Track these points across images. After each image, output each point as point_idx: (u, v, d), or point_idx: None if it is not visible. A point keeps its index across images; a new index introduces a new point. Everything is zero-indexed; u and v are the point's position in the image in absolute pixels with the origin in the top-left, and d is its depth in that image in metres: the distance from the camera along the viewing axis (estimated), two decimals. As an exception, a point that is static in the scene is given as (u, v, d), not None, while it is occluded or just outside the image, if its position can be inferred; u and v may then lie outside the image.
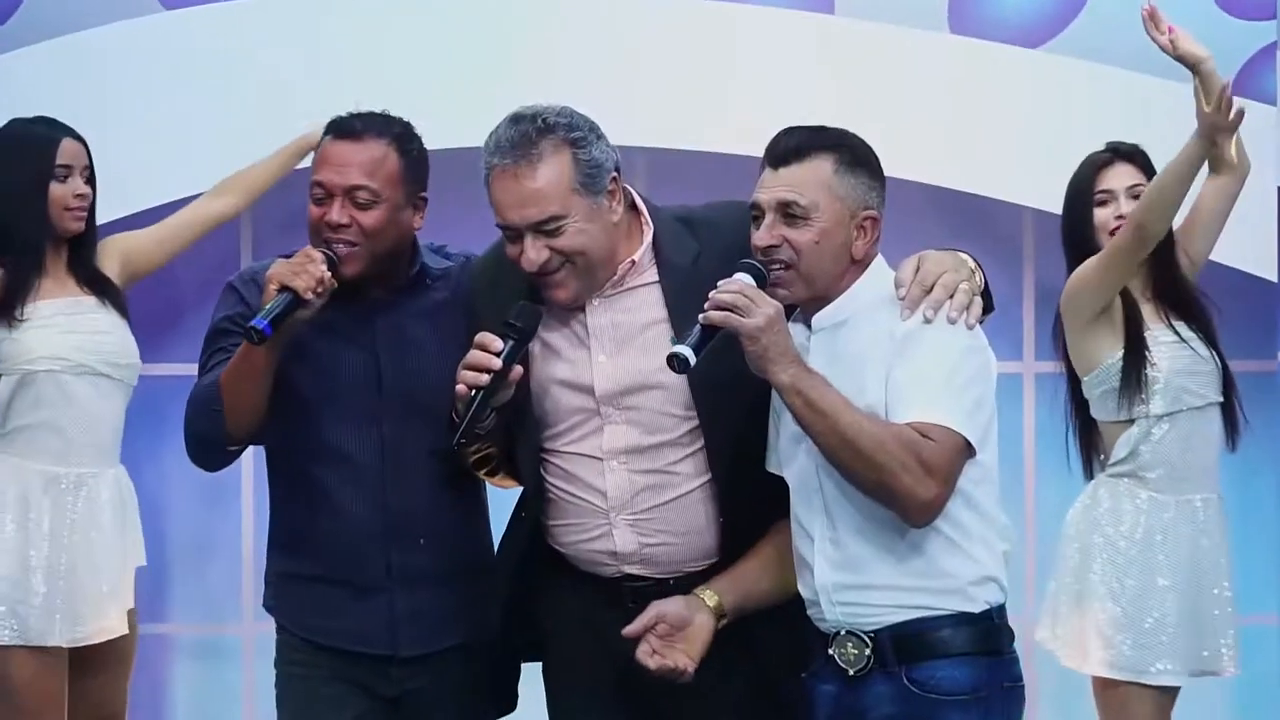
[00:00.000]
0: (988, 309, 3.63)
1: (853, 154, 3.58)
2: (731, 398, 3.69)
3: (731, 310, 3.43)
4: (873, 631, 3.52)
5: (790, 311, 3.60)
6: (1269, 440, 5.86)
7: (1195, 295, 5.08)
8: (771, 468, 3.73)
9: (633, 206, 3.80)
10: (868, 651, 3.52)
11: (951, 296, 3.51)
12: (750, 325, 3.42)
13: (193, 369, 4.07)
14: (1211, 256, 5.55)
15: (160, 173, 5.72)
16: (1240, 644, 5.10)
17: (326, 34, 5.84)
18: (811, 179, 3.54)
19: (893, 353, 3.48)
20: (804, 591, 3.62)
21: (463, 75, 5.74)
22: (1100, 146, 5.22)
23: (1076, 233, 5.07)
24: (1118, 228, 4.97)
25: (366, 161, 3.87)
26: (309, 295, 3.76)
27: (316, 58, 5.78)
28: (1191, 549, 5.00)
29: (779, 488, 3.70)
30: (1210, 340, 5.04)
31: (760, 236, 3.55)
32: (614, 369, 3.74)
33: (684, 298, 3.67)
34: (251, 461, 5.78)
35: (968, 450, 3.48)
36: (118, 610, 5.15)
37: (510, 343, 3.65)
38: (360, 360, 3.96)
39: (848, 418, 3.41)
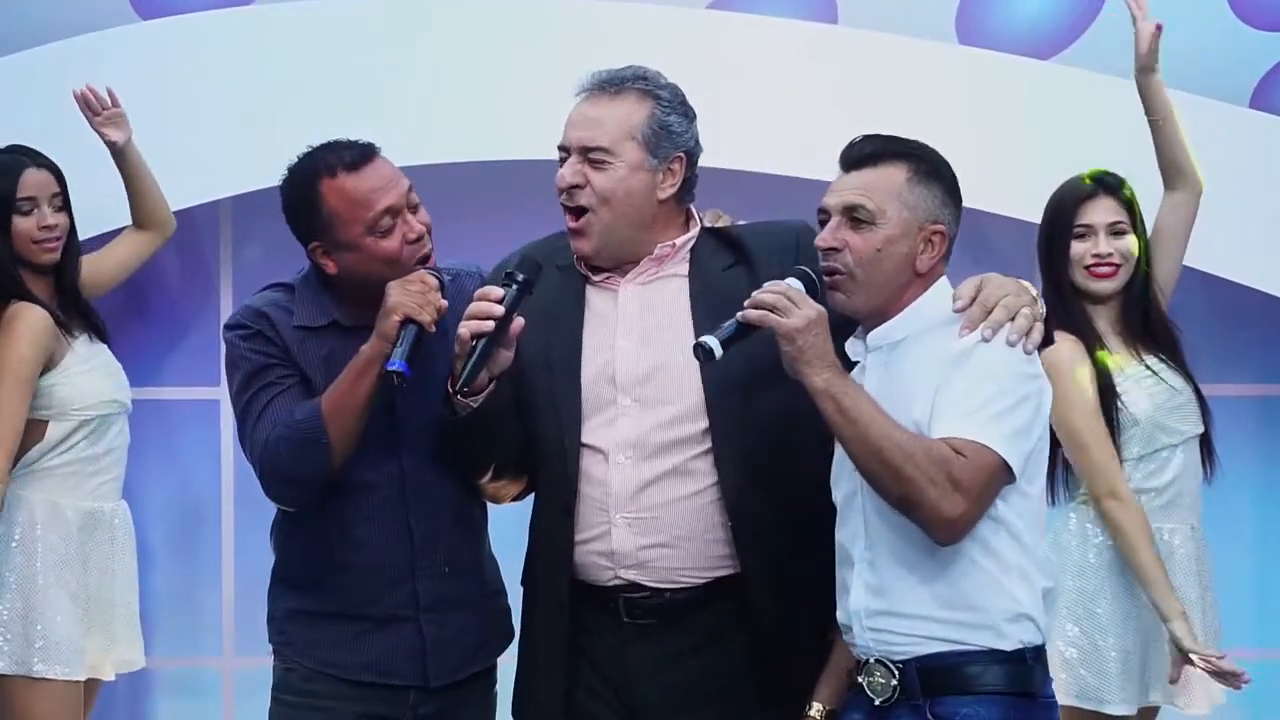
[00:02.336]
0: (1048, 340, 3.62)
1: (929, 165, 3.57)
2: (746, 404, 3.71)
3: (771, 310, 3.44)
4: (901, 661, 3.49)
5: (852, 327, 3.62)
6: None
7: (1165, 324, 5.02)
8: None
9: (687, 212, 3.87)
10: (894, 681, 3.49)
11: (1013, 319, 3.51)
12: (787, 325, 3.43)
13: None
14: (1229, 277, 5.49)
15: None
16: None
17: (312, 48, 5.79)
18: (882, 185, 3.54)
19: (945, 369, 3.47)
20: (841, 616, 3.61)
21: (459, 90, 5.70)
22: (1112, 160, 5.12)
23: (1051, 262, 5.00)
24: (1093, 265, 4.93)
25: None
26: (433, 328, 3.77)
27: (302, 74, 5.73)
28: None
29: (790, 499, 3.73)
30: (1182, 368, 4.97)
31: (823, 237, 3.55)
32: (636, 356, 3.76)
33: (707, 299, 3.75)
34: (231, 491, 5.82)
35: (1005, 473, 3.44)
36: (139, 642, 5.26)
37: (512, 290, 3.67)
38: None
39: (878, 427, 3.39)
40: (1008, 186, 5.72)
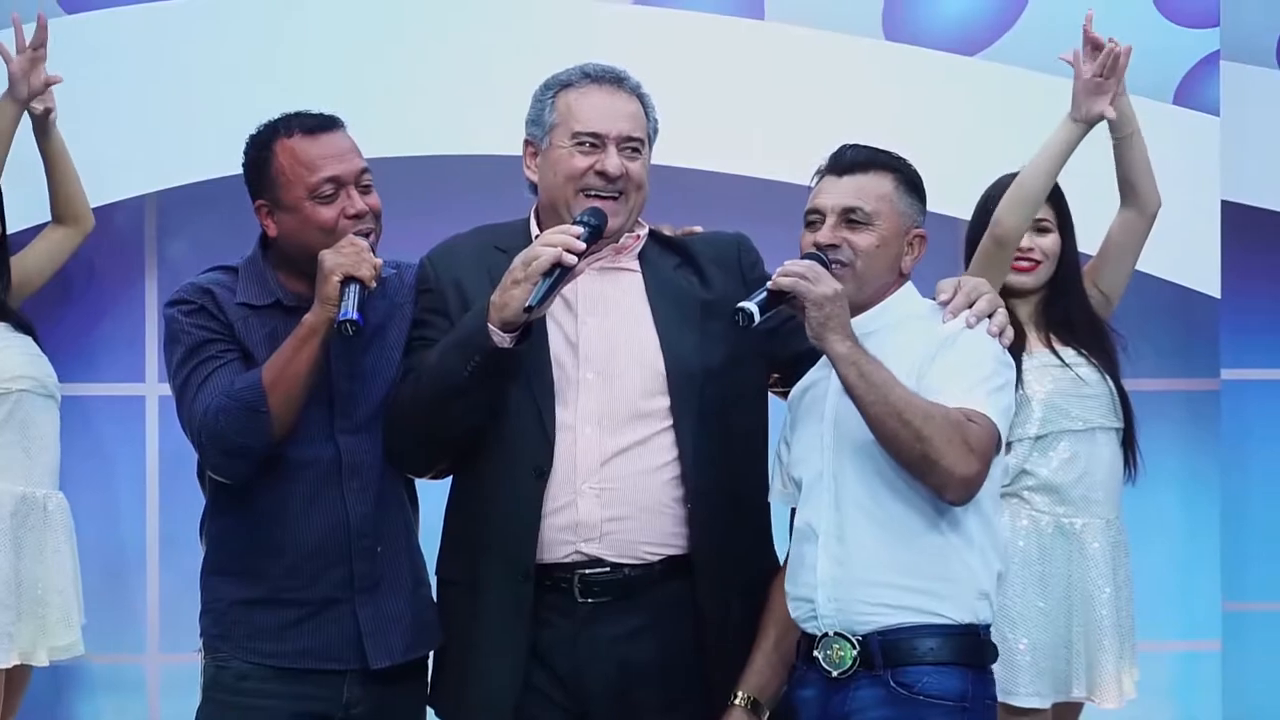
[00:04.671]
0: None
1: (909, 176, 3.86)
2: (702, 389, 3.87)
3: (800, 278, 3.61)
4: (862, 634, 3.64)
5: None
6: (1213, 458, 5.93)
7: (1092, 320, 5.08)
8: (774, 497, 3.92)
9: None
10: (854, 653, 3.64)
11: (990, 316, 3.77)
12: (818, 292, 3.61)
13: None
14: (1154, 272, 5.54)
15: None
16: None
17: (238, 42, 5.79)
18: (874, 190, 3.79)
19: (932, 351, 3.69)
20: (797, 592, 3.73)
21: (389, 84, 5.72)
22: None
23: (975, 251, 5.02)
24: (1014, 259, 4.97)
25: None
26: (374, 284, 3.79)
27: (228, 69, 5.74)
28: (1067, 572, 4.97)
29: (738, 485, 3.91)
30: (1107, 367, 5.02)
31: (823, 234, 3.76)
32: (600, 331, 3.88)
33: (661, 291, 3.92)
34: (156, 488, 5.84)
35: (998, 445, 3.66)
36: (77, 629, 5.31)
37: (588, 230, 3.77)
38: None
39: (899, 391, 3.59)
40: (934, 182, 5.58)
